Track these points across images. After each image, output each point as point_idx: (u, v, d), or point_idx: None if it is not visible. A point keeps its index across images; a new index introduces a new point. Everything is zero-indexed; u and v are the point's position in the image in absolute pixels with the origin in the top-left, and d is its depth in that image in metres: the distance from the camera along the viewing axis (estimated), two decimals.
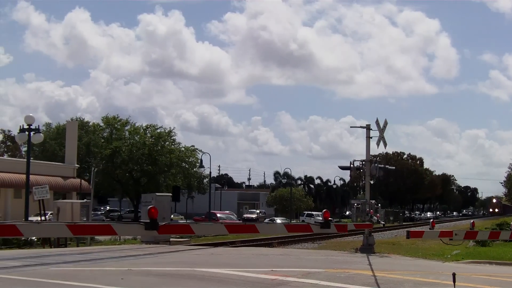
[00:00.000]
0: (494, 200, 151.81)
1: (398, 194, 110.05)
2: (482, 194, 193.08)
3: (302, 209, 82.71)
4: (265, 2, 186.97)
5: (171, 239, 26.50)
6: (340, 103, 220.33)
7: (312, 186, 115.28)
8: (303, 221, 75.28)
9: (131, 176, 68.58)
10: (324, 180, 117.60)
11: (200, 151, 72.09)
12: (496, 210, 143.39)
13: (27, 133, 29.37)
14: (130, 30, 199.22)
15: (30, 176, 31.15)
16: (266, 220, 67.34)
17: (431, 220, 14.26)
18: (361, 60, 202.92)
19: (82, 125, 70.56)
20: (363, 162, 25.17)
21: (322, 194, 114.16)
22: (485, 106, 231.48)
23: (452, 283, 9.25)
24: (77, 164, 57.45)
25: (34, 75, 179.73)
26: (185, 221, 45.12)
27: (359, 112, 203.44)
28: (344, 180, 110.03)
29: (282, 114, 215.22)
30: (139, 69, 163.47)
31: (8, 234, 6.65)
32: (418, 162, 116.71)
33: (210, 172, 71.50)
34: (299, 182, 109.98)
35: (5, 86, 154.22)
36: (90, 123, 74.61)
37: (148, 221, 6.97)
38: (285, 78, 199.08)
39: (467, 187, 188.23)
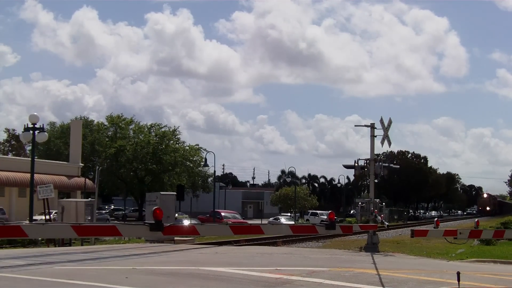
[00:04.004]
0: (485, 195, 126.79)
1: (402, 193, 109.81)
2: None
3: (306, 208, 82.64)
4: (273, 0, 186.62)
5: (176, 238, 26.50)
6: (347, 102, 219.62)
7: (316, 184, 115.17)
8: (307, 220, 75.26)
9: (135, 175, 68.73)
10: (328, 179, 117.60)
11: (205, 150, 72.34)
12: (488, 208, 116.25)
13: (31, 132, 29.45)
14: (138, 29, 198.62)
15: (35, 175, 31.25)
16: (271, 219, 67.40)
17: (436, 219, 14.26)
18: (370, 59, 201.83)
19: (87, 124, 70.79)
20: (368, 161, 25.15)
21: (326, 193, 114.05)
22: (492, 104, 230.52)
23: (456, 282, 9.24)
24: (82, 163, 57.65)
25: (41, 74, 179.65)
26: (189, 220, 45.21)
27: (365, 111, 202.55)
28: (349, 179, 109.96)
29: (288, 113, 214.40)
30: (147, 67, 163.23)
31: (13, 235, 6.67)
32: (422, 160, 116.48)
33: (215, 171, 71.69)
34: (303, 180, 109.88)
35: (11, 85, 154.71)
36: (95, 122, 74.89)
37: (153, 222, 7.00)
38: (294, 77, 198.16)
39: (471, 186, 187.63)
